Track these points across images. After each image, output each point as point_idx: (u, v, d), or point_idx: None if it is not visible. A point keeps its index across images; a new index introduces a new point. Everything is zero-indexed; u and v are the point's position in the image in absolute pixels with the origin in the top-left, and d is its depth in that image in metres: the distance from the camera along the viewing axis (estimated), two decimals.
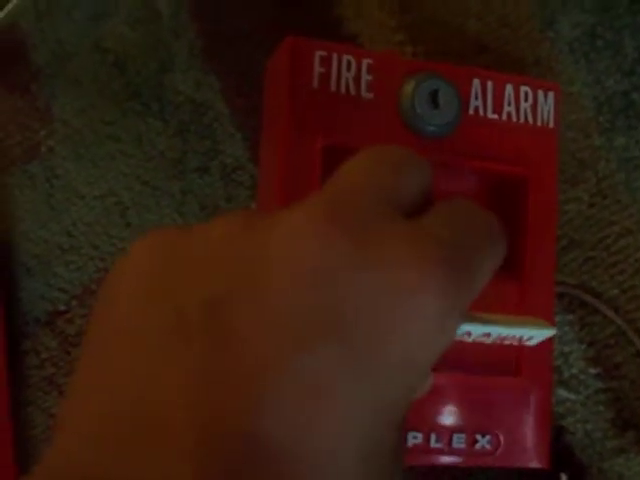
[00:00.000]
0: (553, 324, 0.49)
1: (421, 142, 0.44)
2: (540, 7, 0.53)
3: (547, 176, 0.47)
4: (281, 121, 0.43)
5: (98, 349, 0.22)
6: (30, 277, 0.50)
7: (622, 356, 0.52)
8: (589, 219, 0.53)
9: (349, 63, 0.43)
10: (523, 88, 0.46)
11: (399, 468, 0.23)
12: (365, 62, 0.44)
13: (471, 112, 0.45)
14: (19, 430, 0.49)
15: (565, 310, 0.52)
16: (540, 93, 0.47)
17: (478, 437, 0.45)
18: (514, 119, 0.46)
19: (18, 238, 0.50)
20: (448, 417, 0.44)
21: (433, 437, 0.44)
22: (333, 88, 0.43)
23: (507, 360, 0.45)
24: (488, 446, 0.45)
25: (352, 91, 0.43)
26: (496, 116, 0.46)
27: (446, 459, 0.44)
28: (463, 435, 0.44)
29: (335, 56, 0.43)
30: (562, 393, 0.52)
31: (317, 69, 0.43)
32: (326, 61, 0.43)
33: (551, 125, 0.47)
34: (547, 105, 0.47)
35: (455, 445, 0.44)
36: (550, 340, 0.46)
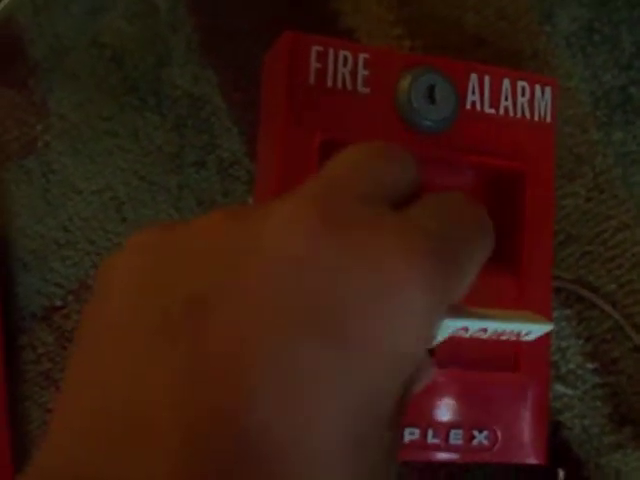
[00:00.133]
0: (550, 319, 0.49)
1: (418, 137, 0.44)
2: (538, 0, 0.53)
3: (544, 171, 0.46)
4: (278, 116, 0.43)
5: (90, 345, 0.22)
6: (26, 272, 0.50)
7: (619, 351, 0.52)
8: (586, 214, 0.53)
9: (346, 58, 0.43)
10: (520, 83, 0.46)
11: (393, 467, 0.23)
12: (362, 57, 0.43)
13: (468, 107, 0.45)
14: (16, 425, 0.49)
15: (562, 305, 0.52)
16: (537, 88, 0.47)
17: (475, 433, 0.45)
18: (511, 114, 0.46)
19: (14, 233, 0.50)
20: (445, 413, 0.44)
21: (430, 433, 0.44)
22: (330, 83, 0.43)
23: (504, 355, 0.45)
24: (485, 442, 0.45)
25: (349, 86, 0.43)
26: (493, 111, 0.46)
27: (443, 455, 0.44)
28: (460, 431, 0.44)
29: (332, 51, 0.43)
30: (559, 388, 0.52)
31: (314, 64, 0.43)
32: (323, 56, 0.43)
33: (548, 120, 0.47)
34: (544, 100, 0.47)
35: (452, 441, 0.44)
36: (547, 335, 0.46)
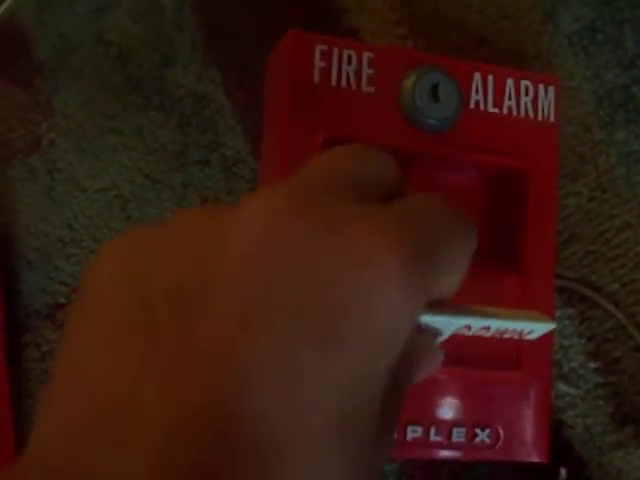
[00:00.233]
0: (553, 318, 0.49)
1: (422, 136, 0.44)
2: None
3: (547, 170, 0.47)
4: (282, 115, 0.43)
5: (77, 340, 0.22)
6: (31, 270, 0.50)
7: (622, 350, 0.53)
8: (589, 213, 0.53)
9: (350, 57, 0.43)
10: (524, 82, 0.46)
11: (380, 458, 0.23)
12: (366, 56, 0.44)
13: (472, 106, 0.45)
14: (20, 423, 0.49)
15: (565, 304, 0.52)
16: (541, 87, 0.47)
17: (478, 431, 0.45)
18: (514, 113, 0.46)
19: (19, 231, 0.50)
20: (448, 411, 0.44)
21: (433, 430, 0.44)
22: (334, 82, 0.43)
23: (507, 354, 0.45)
24: (488, 440, 0.45)
25: (353, 85, 0.43)
26: (496, 110, 0.46)
27: (445, 453, 0.45)
28: (463, 429, 0.45)
29: (336, 50, 0.43)
30: (562, 387, 0.52)
31: (318, 63, 0.43)
32: (327, 55, 0.43)
33: (551, 119, 0.47)
34: (547, 99, 0.47)
35: (455, 439, 0.44)
36: (550, 334, 0.46)
